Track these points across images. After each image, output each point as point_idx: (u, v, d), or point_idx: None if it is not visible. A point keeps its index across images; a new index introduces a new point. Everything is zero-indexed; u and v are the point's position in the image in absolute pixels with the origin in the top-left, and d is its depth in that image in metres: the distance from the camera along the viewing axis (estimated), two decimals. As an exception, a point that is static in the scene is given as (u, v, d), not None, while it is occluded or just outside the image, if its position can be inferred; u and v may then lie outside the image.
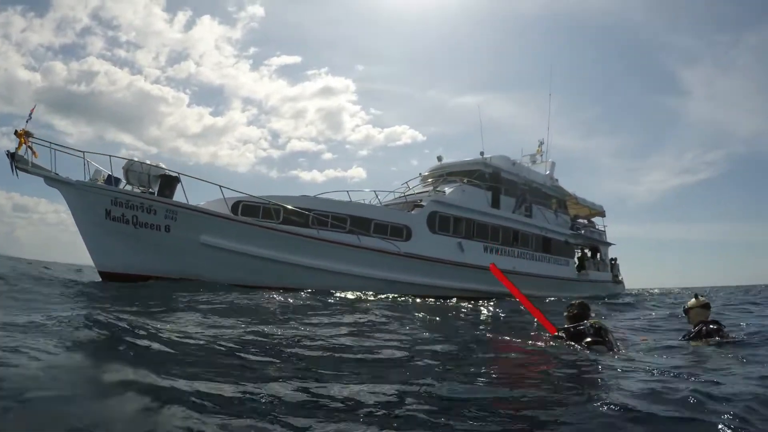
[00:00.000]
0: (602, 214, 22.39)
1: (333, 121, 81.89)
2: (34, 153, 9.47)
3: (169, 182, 10.33)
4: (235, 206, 11.16)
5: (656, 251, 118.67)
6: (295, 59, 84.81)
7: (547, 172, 19.53)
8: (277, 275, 10.70)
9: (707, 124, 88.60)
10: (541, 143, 21.68)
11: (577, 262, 19.68)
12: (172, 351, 3.23)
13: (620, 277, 22.26)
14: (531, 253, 16.39)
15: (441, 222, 13.52)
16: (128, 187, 10.25)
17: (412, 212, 13.32)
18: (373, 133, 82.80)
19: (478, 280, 13.68)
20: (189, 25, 71.51)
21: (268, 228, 10.90)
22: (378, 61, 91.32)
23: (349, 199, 12.54)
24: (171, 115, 72.39)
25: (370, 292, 10.54)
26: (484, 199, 15.11)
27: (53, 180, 9.53)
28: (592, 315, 5.24)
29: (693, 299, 5.93)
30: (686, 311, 6.00)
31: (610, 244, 22.11)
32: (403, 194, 15.56)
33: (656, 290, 17.99)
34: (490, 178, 16.05)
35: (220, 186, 10.60)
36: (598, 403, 2.29)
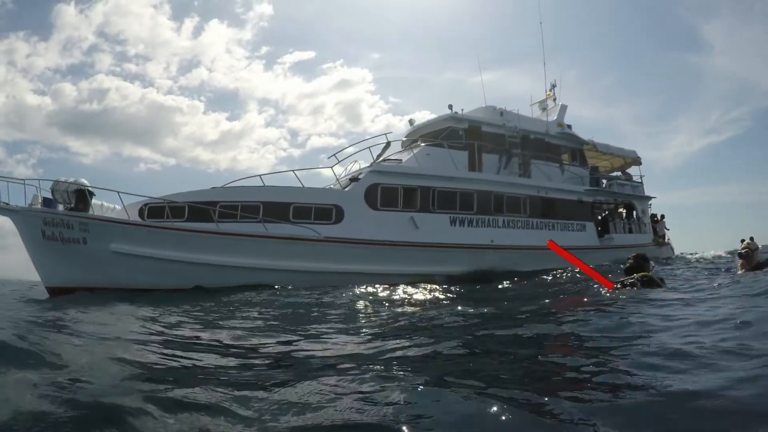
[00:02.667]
0: (637, 161, 18.04)
1: (352, 113, 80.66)
2: None
3: (81, 196, 10.29)
4: (141, 210, 10.60)
5: (690, 217, 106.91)
6: (309, 54, 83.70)
7: (554, 118, 15.95)
8: (184, 276, 9.84)
9: (729, 80, 76.21)
10: (553, 86, 17.89)
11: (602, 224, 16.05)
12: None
13: (667, 238, 17.98)
14: (524, 220, 13.33)
15: (385, 195, 11.12)
16: (61, 207, 10.34)
17: (346, 189, 11.09)
18: (393, 122, 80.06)
19: (440, 261, 11.20)
20: (197, 32, 72.91)
21: (163, 228, 10.02)
22: (393, 47, 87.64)
23: (262, 185, 10.69)
24: (187, 124, 75.28)
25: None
26: (450, 161, 12.32)
27: (2, 209, 9.89)
28: (652, 265, 5.64)
29: (745, 242, 6.74)
30: (744, 255, 6.59)
31: (648, 198, 17.71)
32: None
33: (710, 254, 14.05)
34: (466, 134, 13.25)
35: (118, 192, 10.22)
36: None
